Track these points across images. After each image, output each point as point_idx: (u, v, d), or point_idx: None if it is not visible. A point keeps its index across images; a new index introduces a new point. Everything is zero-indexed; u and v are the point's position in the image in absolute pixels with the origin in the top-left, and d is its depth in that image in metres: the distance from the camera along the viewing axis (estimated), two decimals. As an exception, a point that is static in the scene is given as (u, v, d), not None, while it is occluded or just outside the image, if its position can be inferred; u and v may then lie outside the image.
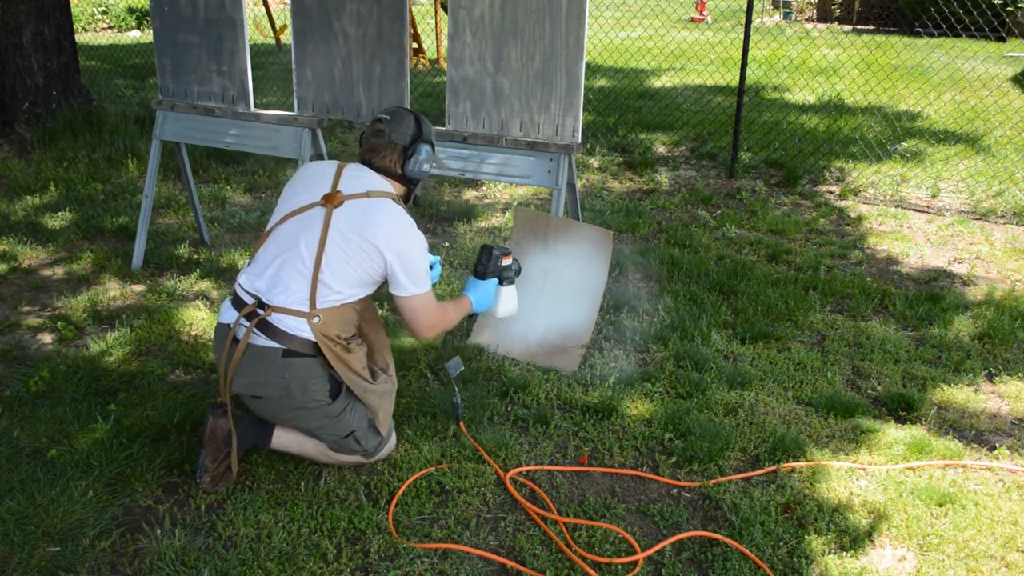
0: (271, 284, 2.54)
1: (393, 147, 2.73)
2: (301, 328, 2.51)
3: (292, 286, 2.52)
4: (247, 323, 2.52)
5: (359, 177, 2.68)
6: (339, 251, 2.53)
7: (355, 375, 2.62)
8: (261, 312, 2.51)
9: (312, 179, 2.71)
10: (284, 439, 2.69)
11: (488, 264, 3.03)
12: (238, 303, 2.59)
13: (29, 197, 5.76)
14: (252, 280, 2.59)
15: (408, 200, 2.84)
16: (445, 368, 3.11)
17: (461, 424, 3.01)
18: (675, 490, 2.78)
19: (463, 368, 3.17)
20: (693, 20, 18.00)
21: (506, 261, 3.07)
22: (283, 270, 2.54)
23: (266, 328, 2.51)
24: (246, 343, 2.53)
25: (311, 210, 2.61)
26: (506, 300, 3.13)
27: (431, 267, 2.90)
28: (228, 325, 2.58)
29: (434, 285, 2.86)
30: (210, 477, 2.65)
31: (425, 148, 2.76)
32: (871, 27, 16.93)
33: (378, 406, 2.70)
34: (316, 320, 2.50)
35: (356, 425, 2.67)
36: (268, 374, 2.53)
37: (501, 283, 3.09)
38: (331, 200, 2.60)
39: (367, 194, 2.62)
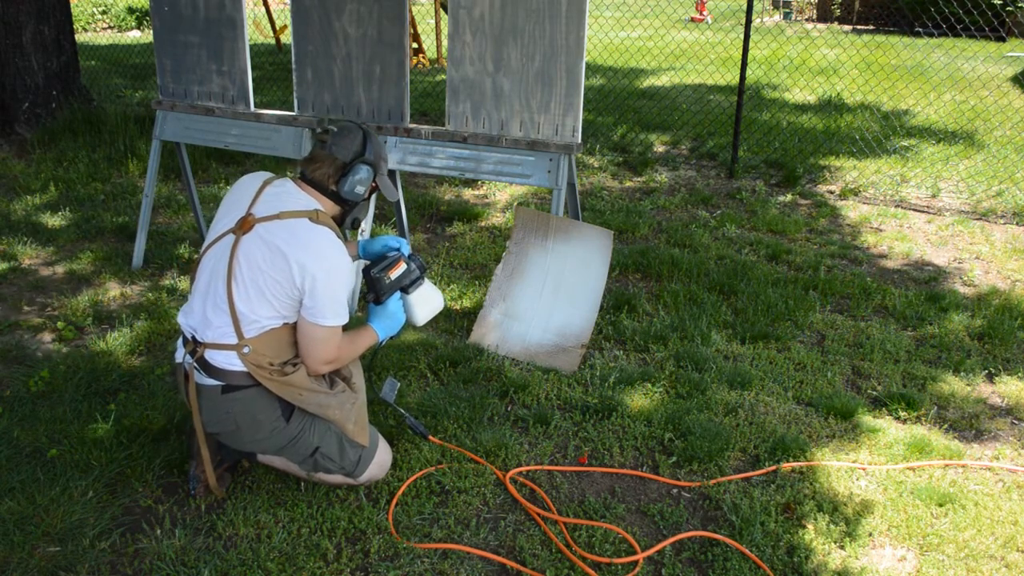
0: (201, 321, 2.48)
1: (332, 161, 2.54)
2: (232, 361, 2.42)
3: (215, 321, 2.44)
4: (191, 361, 2.49)
5: (278, 195, 2.50)
6: (249, 281, 2.40)
7: (305, 391, 2.49)
8: (198, 350, 2.47)
9: (234, 201, 2.57)
10: (268, 456, 2.64)
11: (378, 287, 2.68)
12: (186, 340, 2.54)
13: (29, 197, 5.76)
14: (187, 318, 2.54)
15: (342, 223, 2.63)
16: (381, 397, 2.92)
17: (431, 437, 2.95)
18: (675, 490, 2.78)
19: (399, 385, 3.03)
20: (693, 20, 18.00)
21: (397, 270, 2.70)
22: (207, 306, 2.47)
23: (205, 366, 2.46)
24: (194, 383, 2.51)
25: (223, 239, 2.49)
26: (420, 304, 2.78)
27: (398, 248, 2.79)
28: (182, 364, 2.55)
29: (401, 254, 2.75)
30: (203, 487, 2.65)
31: (365, 168, 2.55)
32: (871, 27, 16.92)
33: (342, 418, 2.57)
34: (246, 350, 2.41)
35: (320, 442, 2.56)
36: (215, 411, 2.49)
37: (408, 291, 2.75)
38: (242, 226, 2.45)
39: (279, 215, 2.44)
